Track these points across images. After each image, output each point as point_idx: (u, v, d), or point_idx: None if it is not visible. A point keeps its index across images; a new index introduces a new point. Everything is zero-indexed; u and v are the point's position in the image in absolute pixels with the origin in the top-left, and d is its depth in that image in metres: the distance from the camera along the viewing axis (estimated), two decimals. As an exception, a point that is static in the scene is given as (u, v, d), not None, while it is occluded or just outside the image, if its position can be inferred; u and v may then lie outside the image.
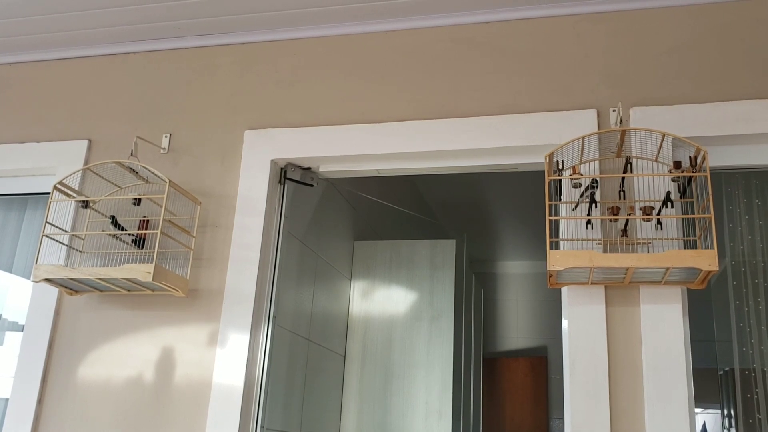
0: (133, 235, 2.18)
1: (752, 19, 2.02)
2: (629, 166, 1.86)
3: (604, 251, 1.87)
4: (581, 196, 1.89)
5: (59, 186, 2.13)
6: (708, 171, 1.74)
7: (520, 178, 3.92)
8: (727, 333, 2.10)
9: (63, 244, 2.20)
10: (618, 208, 1.83)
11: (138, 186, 2.26)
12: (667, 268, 1.68)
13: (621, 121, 1.89)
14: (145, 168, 2.12)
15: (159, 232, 2.01)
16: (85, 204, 2.17)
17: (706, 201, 1.75)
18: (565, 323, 1.90)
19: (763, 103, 1.91)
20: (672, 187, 1.89)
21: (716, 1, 2.05)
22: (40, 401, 2.18)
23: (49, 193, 2.36)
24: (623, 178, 1.89)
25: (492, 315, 5.49)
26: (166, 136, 2.36)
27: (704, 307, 2.26)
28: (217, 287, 2.15)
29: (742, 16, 2.02)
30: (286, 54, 2.37)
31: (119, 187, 2.26)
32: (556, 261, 1.71)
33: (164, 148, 2.35)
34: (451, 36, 2.24)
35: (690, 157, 1.80)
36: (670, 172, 1.84)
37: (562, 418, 5.10)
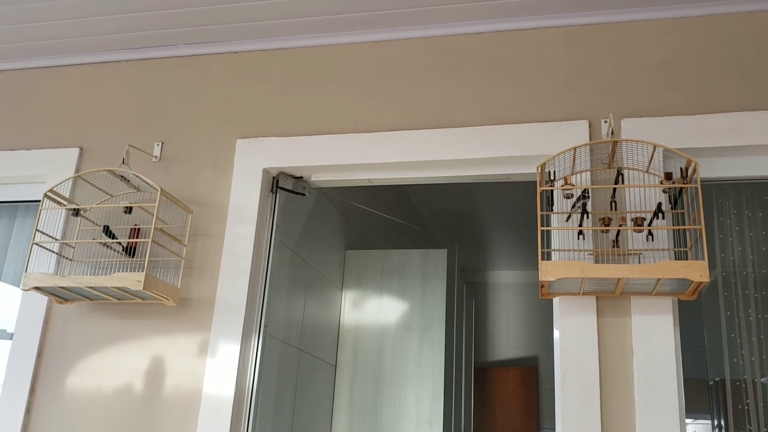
0: (123, 243, 2.17)
1: (742, 32, 2.03)
2: (620, 177, 1.87)
3: (596, 262, 1.87)
4: (573, 206, 1.90)
5: (50, 194, 2.13)
6: (699, 182, 1.75)
7: (512, 189, 3.93)
8: (718, 343, 2.10)
9: (53, 252, 2.19)
10: (609, 219, 1.83)
11: (129, 194, 2.25)
12: (658, 279, 1.69)
13: (612, 132, 1.89)
14: (137, 176, 2.11)
15: (150, 240, 2.01)
16: (76, 212, 2.16)
17: (696, 212, 1.75)
18: (556, 333, 1.90)
19: (752, 114, 1.93)
20: (663, 198, 1.89)
21: (707, 14, 2.06)
22: (28, 411, 2.16)
23: (39, 201, 2.34)
24: (615, 189, 1.89)
25: (483, 325, 5.49)
26: (157, 145, 2.36)
27: (695, 318, 2.27)
28: (208, 296, 2.14)
29: (733, 29, 2.04)
30: (279, 63, 2.37)
31: (110, 195, 2.25)
32: (547, 271, 1.71)
33: (156, 157, 2.34)
34: (443, 46, 2.24)
35: (681, 168, 1.81)
36: (661, 183, 1.84)
37: (553, 429, 5.10)
